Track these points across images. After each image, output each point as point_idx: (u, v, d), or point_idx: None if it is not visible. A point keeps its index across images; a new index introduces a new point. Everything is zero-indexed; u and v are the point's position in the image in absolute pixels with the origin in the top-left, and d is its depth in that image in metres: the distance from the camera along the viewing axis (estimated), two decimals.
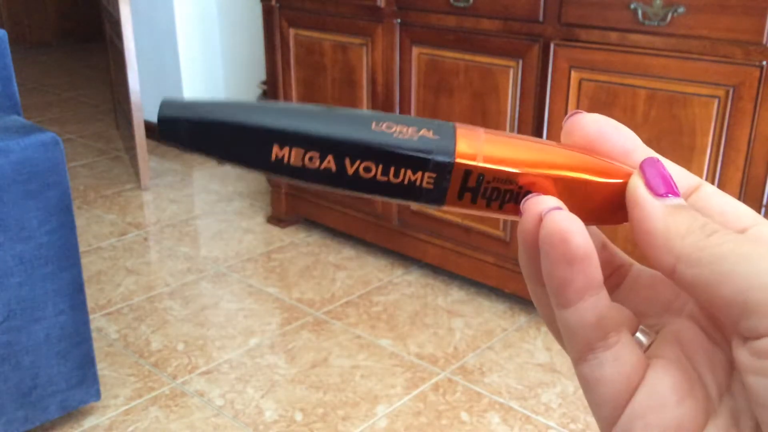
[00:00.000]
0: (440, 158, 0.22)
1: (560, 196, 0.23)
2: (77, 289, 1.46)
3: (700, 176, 1.62)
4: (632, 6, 1.57)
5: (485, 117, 1.90)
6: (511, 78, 1.83)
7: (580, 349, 0.23)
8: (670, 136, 1.60)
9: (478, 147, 0.23)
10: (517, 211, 0.23)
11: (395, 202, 0.23)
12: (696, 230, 0.21)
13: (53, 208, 1.38)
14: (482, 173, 0.23)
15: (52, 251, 1.40)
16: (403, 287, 2.15)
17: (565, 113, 1.74)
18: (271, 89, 2.42)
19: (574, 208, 0.23)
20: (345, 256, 2.35)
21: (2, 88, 1.51)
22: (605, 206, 0.24)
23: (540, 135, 1.80)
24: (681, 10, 1.51)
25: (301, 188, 2.45)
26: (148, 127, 3.22)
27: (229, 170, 3.17)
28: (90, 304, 2.02)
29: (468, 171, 0.23)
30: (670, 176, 0.23)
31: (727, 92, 1.50)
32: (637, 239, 0.23)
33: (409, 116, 0.23)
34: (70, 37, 6.02)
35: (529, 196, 0.23)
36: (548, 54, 1.73)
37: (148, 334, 1.92)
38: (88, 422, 1.59)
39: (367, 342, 1.88)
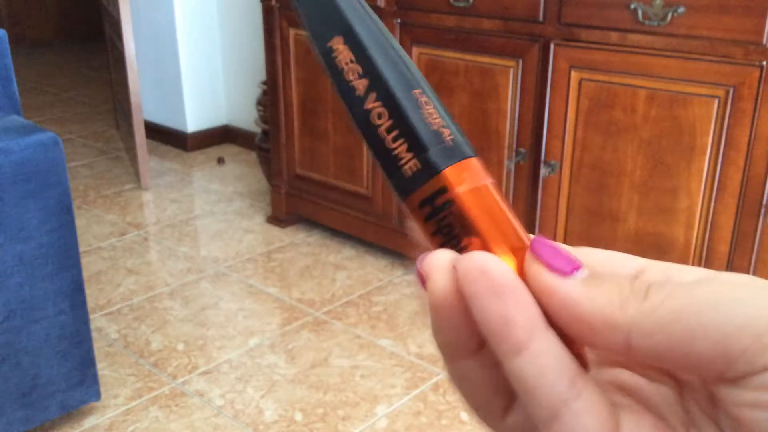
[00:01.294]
0: (433, 158, 0.22)
1: None
2: (77, 289, 1.46)
3: (700, 177, 1.62)
4: (632, 6, 1.57)
5: (485, 117, 1.90)
6: (511, 78, 1.83)
7: (552, 406, 0.19)
8: (670, 136, 1.60)
9: (469, 181, 0.22)
10: None
11: (376, 161, 0.23)
12: (629, 295, 0.19)
13: (53, 208, 1.38)
14: (452, 201, 0.22)
15: (52, 251, 1.40)
16: (403, 287, 2.15)
17: (565, 113, 1.74)
18: (271, 89, 2.42)
19: None
20: (345, 256, 2.35)
21: (2, 88, 1.51)
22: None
23: (540, 135, 1.80)
24: (681, 10, 1.51)
25: (301, 188, 2.45)
26: (148, 127, 3.22)
27: (229, 170, 3.17)
28: (90, 304, 2.02)
29: (443, 188, 0.22)
30: (563, 247, 0.21)
31: (727, 92, 1.50)
32: (570, 330, 0.20)
33: (448, 113, 0.23)
34: (70, 37, 6.02)
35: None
36: (548, 54, 1.73)
37: (148, 334, 1.92)
38: (88, 422, 1.59)
39: (367, 342, 1.88)
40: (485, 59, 1.87)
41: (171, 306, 2.06)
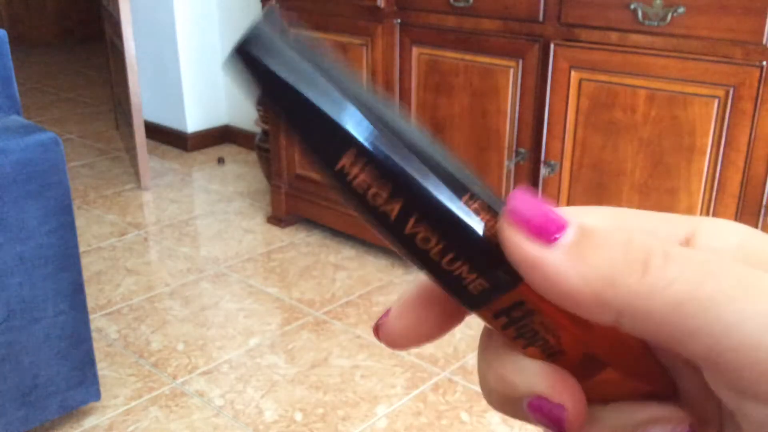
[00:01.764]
0: (505, 277, 0.19)
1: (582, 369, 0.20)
2: (77, 289, 1.46)
3: (700, 177, 1.62)
4: (632, 6, 1.57)
5: (485, 117, 1.90)
6: (511, 78, 1.83)
7: None
8: (670, 136, 1.60)
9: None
10: (536, 356, 0.20)
11: (429, 278, 0.20)
12: (623, 268, 0.17)
13: (53, 208, 1.38)
14: (532, 312, 0.19)
15: (52, 251, 1.40)
16: (402, 287, 2.15)
17: (565, 113, 1.74)
18: None
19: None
20: (345, 256, 2.35)
21: (2, 88, 1.51)
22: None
23: (540, 135, 1.80)
24: (681, 10, 1.51)
25: (301, 188, 2.45)
26: (148, 127, 3.22)
27: (229, 170, 3.17)
28: (90, 304, 2.02)
29: (519, 302, 0.19)
30: (544, 202, 0.18)
31: (727, 92, 1.50)
32: (555, 301, 0.18)
33: (502, 205, 0.19)
34: (70, 37, 6.02)
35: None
36: (548, 54, 1.73)
37: (148, 334, 1.92)
38: (88, 422, 1.59)
39: (367, 342, 1.88)
40: (485, 59, 1.87)
41: (171, 306, 2.06)
